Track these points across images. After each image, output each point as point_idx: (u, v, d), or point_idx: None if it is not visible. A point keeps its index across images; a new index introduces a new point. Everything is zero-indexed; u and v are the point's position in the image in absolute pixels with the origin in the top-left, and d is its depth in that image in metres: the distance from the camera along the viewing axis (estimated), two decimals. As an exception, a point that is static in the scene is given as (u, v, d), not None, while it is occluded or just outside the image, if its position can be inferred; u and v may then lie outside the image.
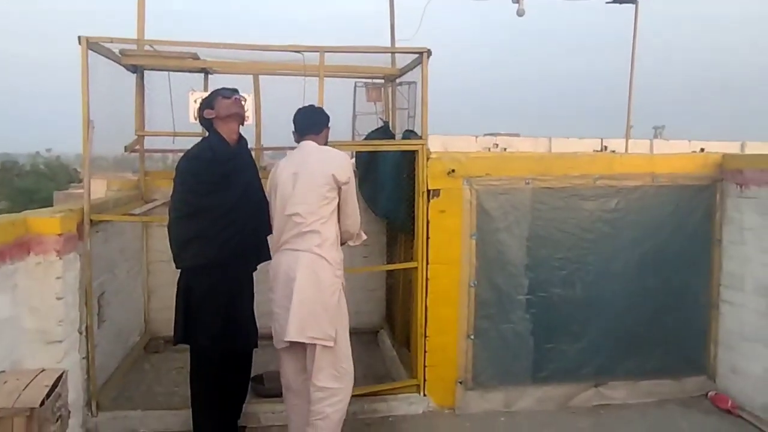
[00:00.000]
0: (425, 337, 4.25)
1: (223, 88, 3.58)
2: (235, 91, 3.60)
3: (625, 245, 4.35)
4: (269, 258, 3.81)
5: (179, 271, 3.53)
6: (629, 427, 4.08)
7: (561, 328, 4.34)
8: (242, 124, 3.59)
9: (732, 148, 18.83)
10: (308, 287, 3.24)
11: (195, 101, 4.51)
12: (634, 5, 6.84)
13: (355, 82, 6.22)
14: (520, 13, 6.45)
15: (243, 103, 3.59)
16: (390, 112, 5.80)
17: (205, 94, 4.52)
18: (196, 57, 4.65)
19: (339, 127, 5.72)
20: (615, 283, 4.36)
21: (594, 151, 16.29)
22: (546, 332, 4.31)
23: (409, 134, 4.81)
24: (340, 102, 5.80)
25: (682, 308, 4.50)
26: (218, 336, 3.43)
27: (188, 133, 4.85)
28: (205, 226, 3.35)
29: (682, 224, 4.43)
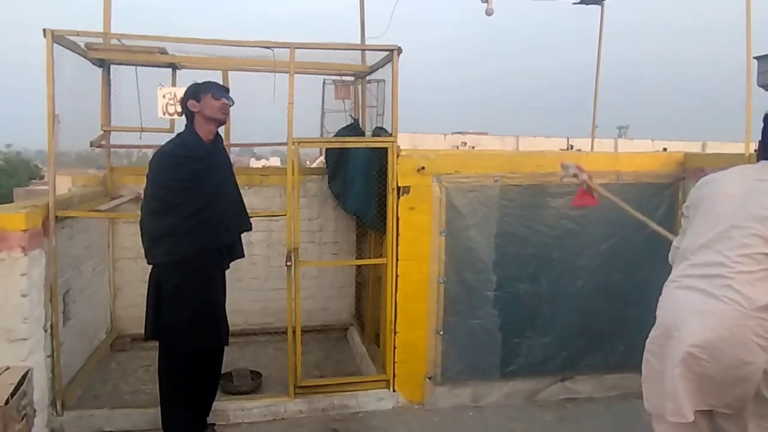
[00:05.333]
0: (395, 333, 4.27)
1: (214, 84, 3.52)
2: (226, 90, 3.55)
3: (589, 241, 4.44)
4: (242, 255, 3.81)
5: (151, 266, 3.50)
6: (594, 421, 4.16)
7: (528, 324, 4.40)
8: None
9: (693, 147, 19.30)
10: None
11: (164, 96, 4.46)
12: (600, 6, 6.95)
13: (324, 79, 6.22)
14: (489, 13, 6.52)
15: (230, 108, 3.52)
16: (359, 110, 5.81)
17: (174, 90, 4.50)
18: (164, 52, 4.60)
19: (307, 124, 5.73)
20: (580, 279, 4.44)
21: (560, 149, 16.52)
22: (513, 327, 4.37)
23: (379, 131, 4.83)
24: (309, 99, 5.80)
25: (645, 303, 4.56)
26: (188, 332, 3.41)
27: (156, 129, 4.79)
28: (176, 223, 3.33)
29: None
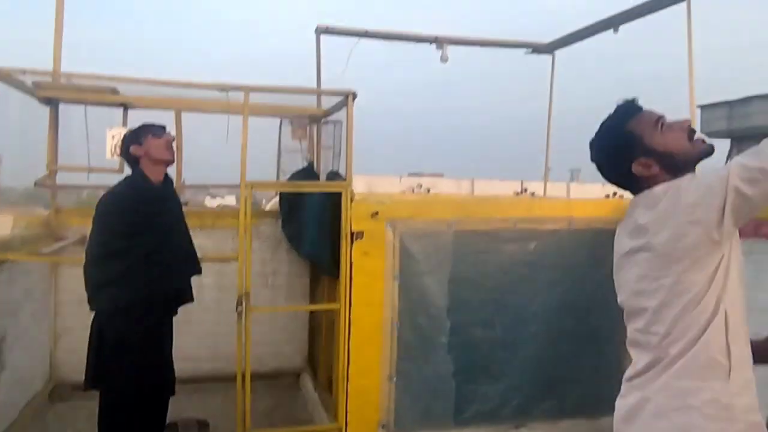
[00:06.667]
0: (347, 379, 4.18)
1: (153, 125, 3.47)
2: (164, 129, 3.51)
3: (542, 287, 4.46)
4: (192, 300, 3.71)
5: (93, 312, 3.37)
6: (548, 468, 4.13)
7: (482, 370, 4.37)
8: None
9: (642, 192, 19.74)
10: None
11: (112, 137, 4.38)
12: (551, 56, 7.13)
13: (281, 119, 6.20)
14: (444, 59, 6.62)
15: (173, 143, 3.48)
16: (315, 152, 5.80)
17: (123, 130, 4.41)
18: (115, 91, 4.53)
19: (264, 163, 5.70)
20: (533, 324, 4.44)
21: (515, 193, 16.79)
22: (467, 374, 4.33)
23: (333, 175, 4.82)
24: (266, 138, 5.78)
25: (597, 349, 4.62)
26: (132, 382, 3.27)
27: (104, 169, 4.68)
28: (123, 269, 3.23)
29: (596, 267, 4.56)
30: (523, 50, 6.98)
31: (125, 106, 4.90)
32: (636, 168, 1.85)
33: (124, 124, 4.85)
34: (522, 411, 4.44)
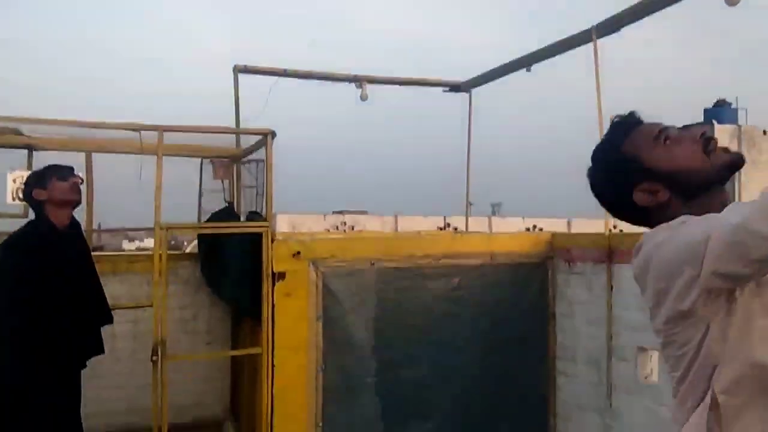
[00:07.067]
0: (271, 428, 4.02)
1: (57, 166, 3.30)
2: (71, 170, 3.33)
3: (467, 322, 4.46)
4: (102, 352, 3.49)
5: None
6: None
7: (410, 409, 4.30)
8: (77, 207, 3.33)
9: (560, 224, 20.47)
10: None
11: (14, 181, 4.14)
12: (468, 94, 7.31)
13: (202, 158, 6.06)
14: (364, 98, 6.69)
15: (80, 185, 3.31)
16: (236, 191, 5.68)
17: (26, 173, 4.18)
18: (18, 132, 4.30)
19: (184, 204, 5.52)
20: (459, 360, 4.43)
21: (438, 228, 16.96)
22: (395, 414, 4.25)
23: (253, 216, 4.71)
24: (186, 178, 5.62)
25: (523, 382, 4.65)
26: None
27: (5, 214, 4.41)
28: (23, 323, 3.00)
29: (520, 300, 4.63)
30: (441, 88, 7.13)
31: (30, 148, 4.66)
32: (638, 197, 1.41)
33: (29, 167, 4.60)
34: (452, 449, 4.39)
